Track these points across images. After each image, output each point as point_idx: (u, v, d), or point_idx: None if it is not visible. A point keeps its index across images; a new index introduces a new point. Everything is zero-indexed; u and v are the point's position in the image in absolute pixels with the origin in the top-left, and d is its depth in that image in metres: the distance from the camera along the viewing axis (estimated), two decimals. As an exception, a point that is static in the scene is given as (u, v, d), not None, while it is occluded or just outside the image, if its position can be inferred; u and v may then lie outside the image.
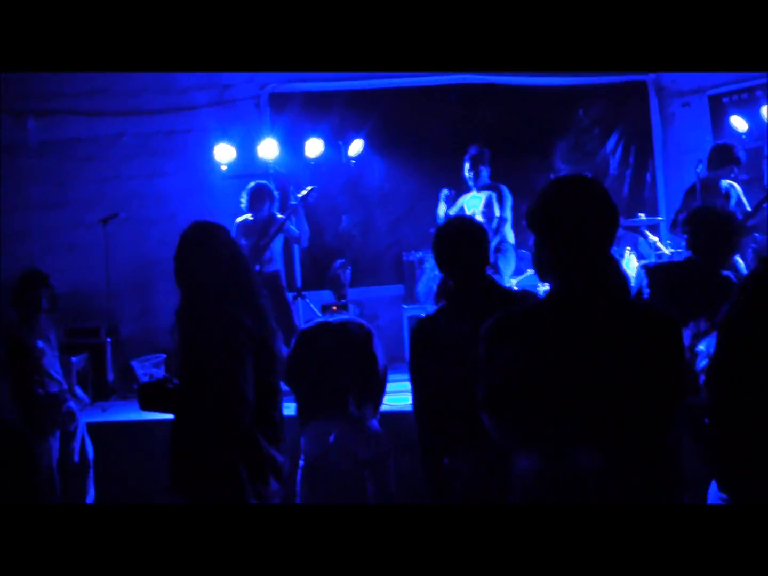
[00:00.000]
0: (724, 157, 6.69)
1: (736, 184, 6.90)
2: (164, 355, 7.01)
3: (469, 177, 7.20)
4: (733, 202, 6.80)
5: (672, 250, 7.44)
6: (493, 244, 6.94)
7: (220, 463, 3.00)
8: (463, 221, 3.50)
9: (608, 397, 2.05)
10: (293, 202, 7.13)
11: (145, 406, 3.13)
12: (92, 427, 5.65)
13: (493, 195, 7.15)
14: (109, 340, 7.60)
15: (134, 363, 3.26)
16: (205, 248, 3.09)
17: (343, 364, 5.05)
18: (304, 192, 7.00)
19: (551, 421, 2.08)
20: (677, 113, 9.04)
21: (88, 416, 5.99)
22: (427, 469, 3.22)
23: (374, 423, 5.15)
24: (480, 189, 7.21)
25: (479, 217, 6.88)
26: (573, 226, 2.13)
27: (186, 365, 3.06)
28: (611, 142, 9.02)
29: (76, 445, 5.36)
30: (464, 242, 3.24)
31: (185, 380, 3.06)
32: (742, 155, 6.75)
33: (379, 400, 5.23)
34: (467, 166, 7.20)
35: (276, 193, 7.16)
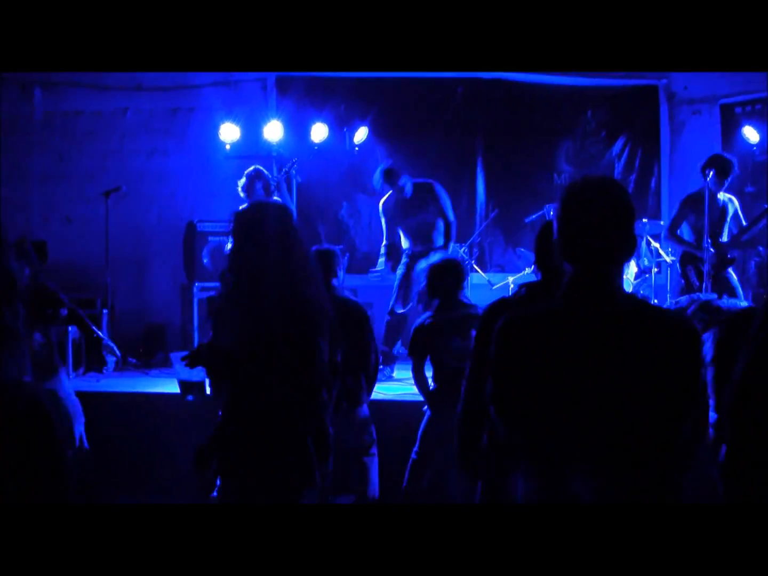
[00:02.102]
0: (728, 168, 6.62)
1: (734, 198, 6.87)
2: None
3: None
4: (729, 215, 6.76)
5: (672, 258, 7.40)
6: None
7: (292, 439, 2.93)
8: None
9: (617, 405, 2.01)
10: (275, 175, 7.11)
11: (201, 363, 2.99)
12: (85, 397, 5.64)
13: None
14: (106, 311, 7.57)
15: (173, 355, 3.21)
16: (283, 230, 3.00)
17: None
18: (286, 166, 7.01)
19: (558, 425, 2.05)
20: (687, 121, 8.97)
21: (82, 386, 6.01)
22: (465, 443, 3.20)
23: (365, 409, 5.11)
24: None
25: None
26: (601, 230, 2.08)
27: (257, 341, 2.94)
28: (618, 146, 8.95)
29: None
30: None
31: (255, 355, 2.94)
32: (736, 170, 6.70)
33: (371, 386, 5.17)
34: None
35: (270, 176, 7.12)
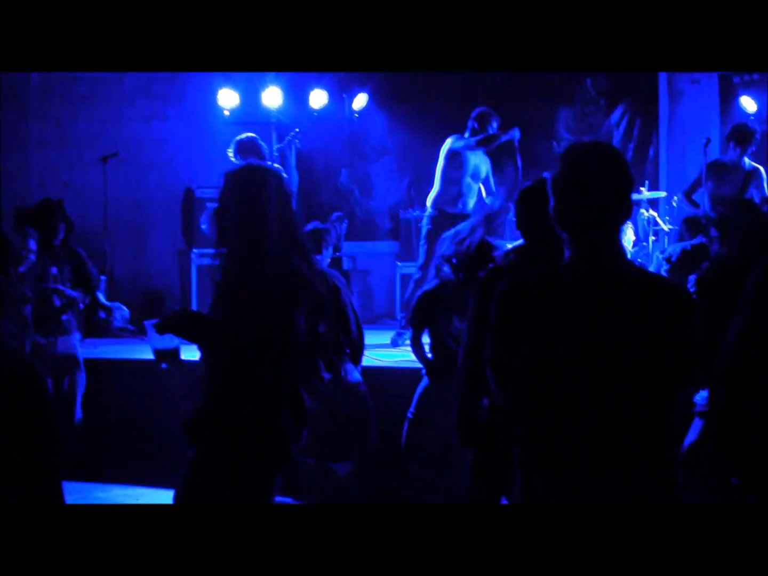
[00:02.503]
0: (748, 137, 6.53)
1: (761, 168, 6.67)
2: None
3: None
4: (751, 185, 6.57)
5: (670, 227, 7.41)
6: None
7: (266, 411, 2.88)
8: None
9: (614, 371, 2.01)
10: (277, 145, 7.04)
11: (178, 331, 2.94)
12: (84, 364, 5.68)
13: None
14: (104, 278, 7.57)
15: (146, 323, 3.21)
16: (274, 196, 2.90)
17: None
18: (289, 136, 6.95)
19: (555, 390, 2.04)
20: (686, 90, 8.95)
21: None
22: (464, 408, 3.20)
23: (355, 374, 5.11)
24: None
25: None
26: (599, 194, 2.07)
27: (239, 310, 2.88)
28: (616, 115, 8.95)
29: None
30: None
31: (235, 324, 2.88)
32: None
33: (356, 351, 5.15)
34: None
35: (264, 146, 7.03)
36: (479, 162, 6.74)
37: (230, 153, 6.73)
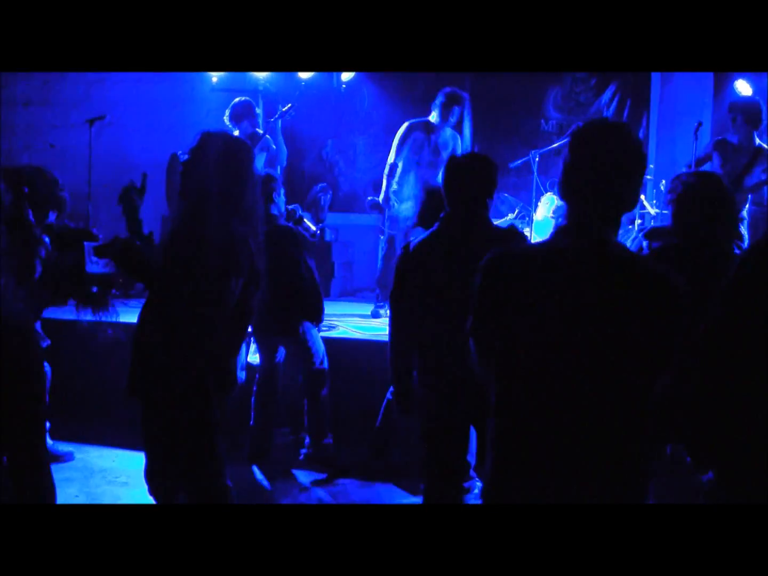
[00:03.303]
0: (755, 114, 6.29)
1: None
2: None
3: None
4: (757, 164, 6.32)
5: (656, 210, 7.38)
6: None
7: (189, 368, 2.98)
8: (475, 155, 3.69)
9: (592, 350, 1.98)
10: (271, 119, 7.00)
11: (114, 257, 3.05)
12: (65, 326, 5.69)
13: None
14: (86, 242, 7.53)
15: (87, 245, 3.24)
16: (230, 160, 3.01)
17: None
18: (283, 108, 6.87)
19: (532, 364, 2.04)
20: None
21: (57, 313, 6.00)
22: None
23: (314, 334, 5.12)
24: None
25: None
26: (609, 172, 2.03)
27: (177, 266, 2.97)
28: (607, 94, 8.87)
29: None
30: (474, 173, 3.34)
31: (171, 280, 2.98)
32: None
33: (312, 312, 5.14)
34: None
35: (259, 111, 7.03)
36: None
37: (225, 117, 6.73)
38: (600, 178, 2.02)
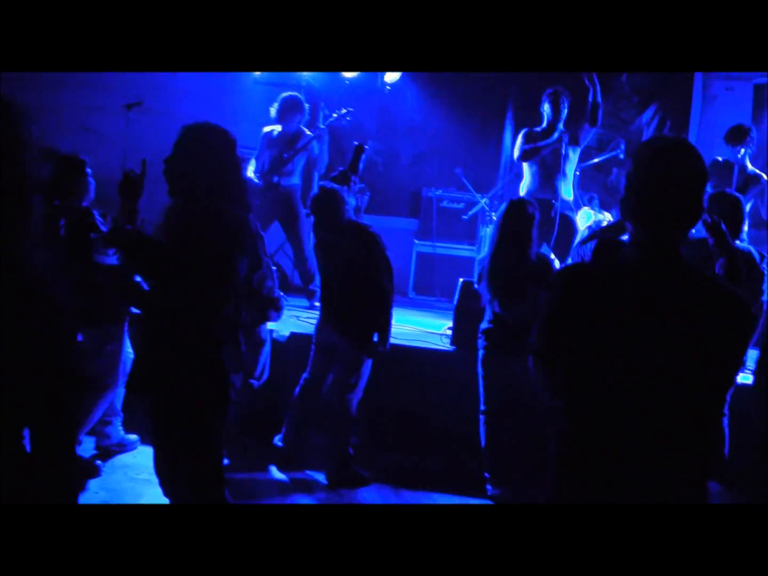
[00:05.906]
0: (741, 136, 6.38)
1: (764, 176, 6.61)
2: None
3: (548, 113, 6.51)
4: (752, 192, 6.50)
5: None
6: None
7: (206, 354, 2.96)
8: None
9: (663, 368, 2.00)
10: (322, 126, 6.91)
11: (121, 246, 3.01)
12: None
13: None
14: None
15: (93, 236, 3.31)
16: (213, 150, 3.02)
17: None
18: (337, 114, 6.76)
19: (597, 384, 2.04)
20: (719, 96, 8.87)
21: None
22: None
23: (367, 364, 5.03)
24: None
25: None
26: (683, 195, 2.04)
27: (182, 252, 2.96)
28: (648, 113, 8.85)
29: None
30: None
31: (177, 267, 2.97)
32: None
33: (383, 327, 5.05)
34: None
35: (307, 106, 6.92)
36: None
37: (273, 110, 6.64)
38: (675, 196, 2.03)
